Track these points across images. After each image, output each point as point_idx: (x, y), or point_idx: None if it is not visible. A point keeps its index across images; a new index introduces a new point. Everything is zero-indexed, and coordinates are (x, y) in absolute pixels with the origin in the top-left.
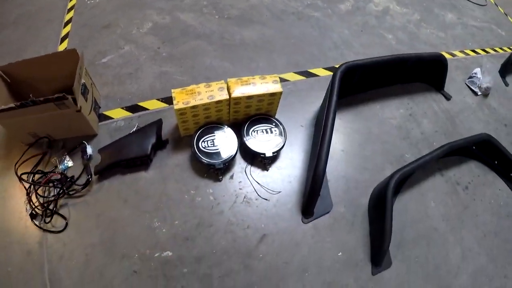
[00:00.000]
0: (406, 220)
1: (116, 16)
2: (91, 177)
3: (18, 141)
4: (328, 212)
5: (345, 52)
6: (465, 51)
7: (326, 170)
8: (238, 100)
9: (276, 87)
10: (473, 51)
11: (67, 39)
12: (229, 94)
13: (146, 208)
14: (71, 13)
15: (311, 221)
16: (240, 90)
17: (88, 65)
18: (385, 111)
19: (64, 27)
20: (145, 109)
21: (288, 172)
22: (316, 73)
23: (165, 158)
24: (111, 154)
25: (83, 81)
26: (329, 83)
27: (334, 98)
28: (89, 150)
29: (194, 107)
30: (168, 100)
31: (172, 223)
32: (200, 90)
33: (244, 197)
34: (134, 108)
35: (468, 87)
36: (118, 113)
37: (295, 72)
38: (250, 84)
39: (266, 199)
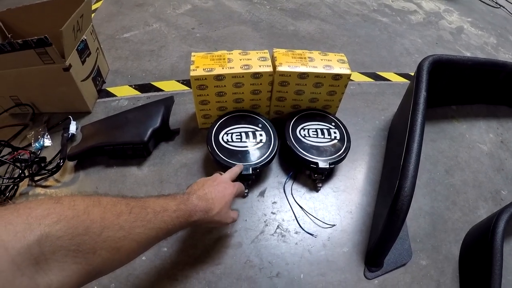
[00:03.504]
0: (507, 284)
1: None
2: (62, 162)
3: None
4: (404, 265)
5: (419, 60)
6: None
7: None
8: (285, 78)
9: (343, 68)
10: None
11: (93, 14)
12: (274, 67)
13: None
14: None
15: (378, 276)
16: (291, 64)
17: (106, 38)
18: (473, 133)
19: (95, 3)
20: (159, 90)
21: (348, 198)
22: (387, 77)
23: (169, 153)
24: (95, 135)
25: (84, 37)
26: (408, 86)
27: (423, 95)
28: (72, 127)
29: (219, 77)
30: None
31: (159, 250)
32: (232, 57)
33: (278, 226)
34: (145, 88)
35: None
36: (124, 91)
37: (360, 73)
38: (305, 58)
39: (312, 234)
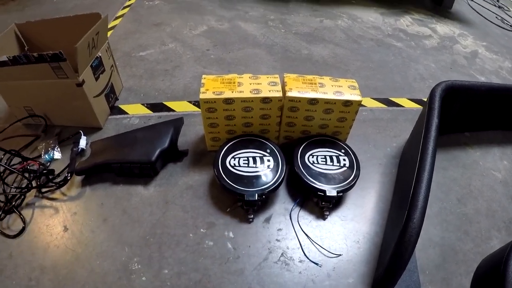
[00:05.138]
0: None
1: (170, 17)
2: (70, 176)
3: (13, 114)
4: None
5: (433, 86)
6: None
7: None
8: (295, 103)
9: (353, 94)
10: None
11: (111, 31)
12: (284, 92)
13: (129, 237)
14: (126, 10)
15: None
16: (301, 89)
17: (122, 55)
18: (487, 160)
19: (114, 20)
20: (171, 110)
21: (356, 227)
22: (400, 103)
23: (176, 173)
24: (103, 151)
25: (99, 54)
26: (421, 113)
27: (435, 123)
28: (82, 142)
29: (229, 101)
30: None
31: (160, 271)
32: (242, 80)
33: (282, 254)
34: (157, 107)
35: None
36: (135, 109)
37: (373, 98)
38: (316, 84)
39: (317, 264)
